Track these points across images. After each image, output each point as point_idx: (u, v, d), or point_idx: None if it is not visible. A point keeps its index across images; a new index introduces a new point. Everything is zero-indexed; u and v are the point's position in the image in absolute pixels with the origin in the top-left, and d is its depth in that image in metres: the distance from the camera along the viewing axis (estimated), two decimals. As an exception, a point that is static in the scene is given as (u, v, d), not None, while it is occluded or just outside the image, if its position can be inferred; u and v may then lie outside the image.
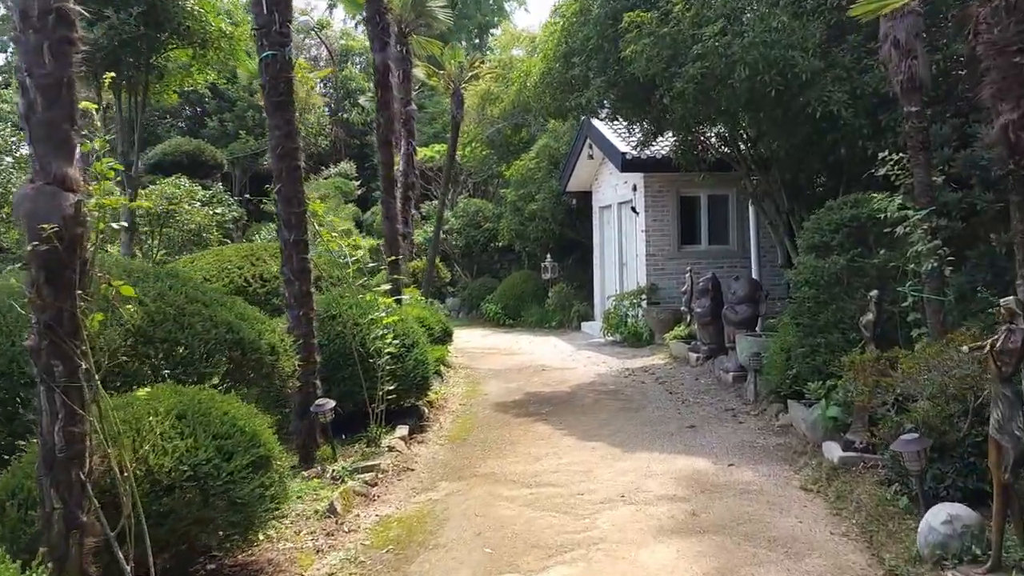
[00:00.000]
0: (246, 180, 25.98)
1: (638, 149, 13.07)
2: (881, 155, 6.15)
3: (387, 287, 7.21)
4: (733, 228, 14.88)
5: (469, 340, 16.24)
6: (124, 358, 4.31)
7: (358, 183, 28.82)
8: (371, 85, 30.08)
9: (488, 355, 13.90)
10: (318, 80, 30.73)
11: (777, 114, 8.57)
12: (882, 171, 6.07)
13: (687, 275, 12.99)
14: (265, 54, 6.40)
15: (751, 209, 13.07)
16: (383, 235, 9.12)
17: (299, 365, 6.30)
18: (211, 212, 14.53)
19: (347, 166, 29.54)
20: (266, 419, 4.31)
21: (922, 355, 4.58)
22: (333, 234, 7.20)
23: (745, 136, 11.03)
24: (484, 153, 23.66)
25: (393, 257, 9.01)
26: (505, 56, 23.58)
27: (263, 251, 9.85)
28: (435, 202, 24.87)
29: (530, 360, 13.02)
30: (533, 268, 20.44)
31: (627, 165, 14.10)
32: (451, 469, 6.58)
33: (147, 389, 3.77)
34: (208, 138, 26.01)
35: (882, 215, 6.23)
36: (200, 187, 15.83)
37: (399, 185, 11.92)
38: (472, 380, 11.12)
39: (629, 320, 14.35)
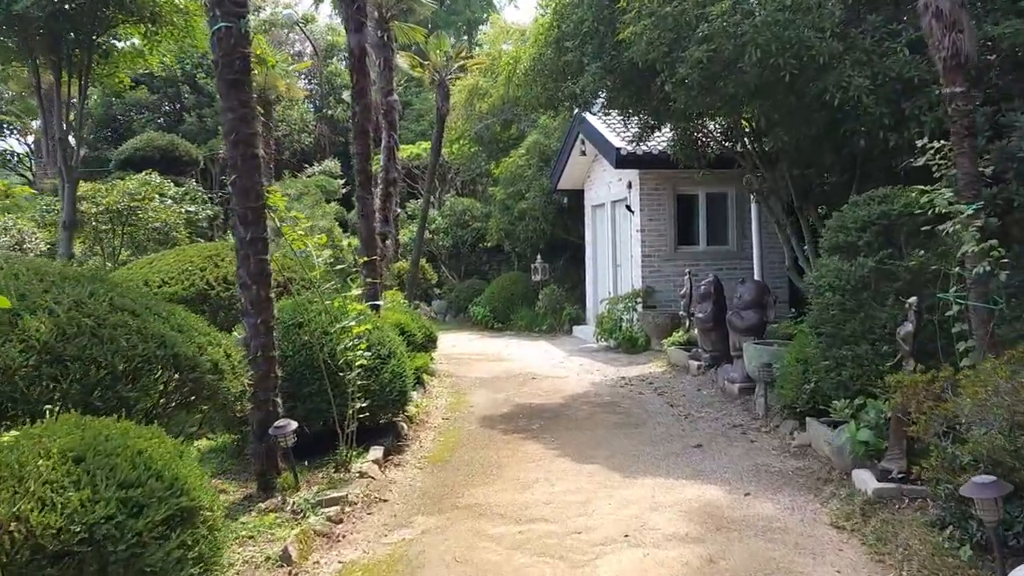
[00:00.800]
0: (227, 178, 25.13)
1: (634, 144, 12.32)
2: (920, 143, 5.41)
3: (359, 291, 6.41)
4: (732, 228, 14.18)
5: (455, 345, 15.47)
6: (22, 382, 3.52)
7: (343, 182, 28.00)
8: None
9: (475, 361, 13.14)
10: (299, 73, 29.91)
11: (790, 102, 7.83)
12: (921, 160, 5.34)
13: (685, 277, 12.26)
14: (217, 26, 5.61)
15: (753, 208, 12.36)
16: (359, 234, 8.33)
17: (255, 382, 5.54)
18: (182, 210, 13.69)
19: (331, 164, 28.68)
20: (193, 457, 3.52)
21: (991, 377, 3.85)
22: (299, 231, 6.39)
23: (750, 129, 10.32)
24: (472, 150, 22.89)
25: (370, 258, 8.22)
26: (494, 50, 22.77)
27: (228, 251, 9.04)
28: (421, 201, 24.16)
29: (519, 367, 12.26)
30: (523, 269, 19.69)
31: (622, 161, 13.37)
32: (430, 499, 5.80)
33: (15, 433, 2.98)
34: (186, 134, 25.12)
35: (918, 211, 5.52)
36: (173, 184, 14.99)
37: (379, 180, 11.14)
38: (457, 390, 10.34)
39: (624, 325, 13.62)
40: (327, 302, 6.66)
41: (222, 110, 5.76)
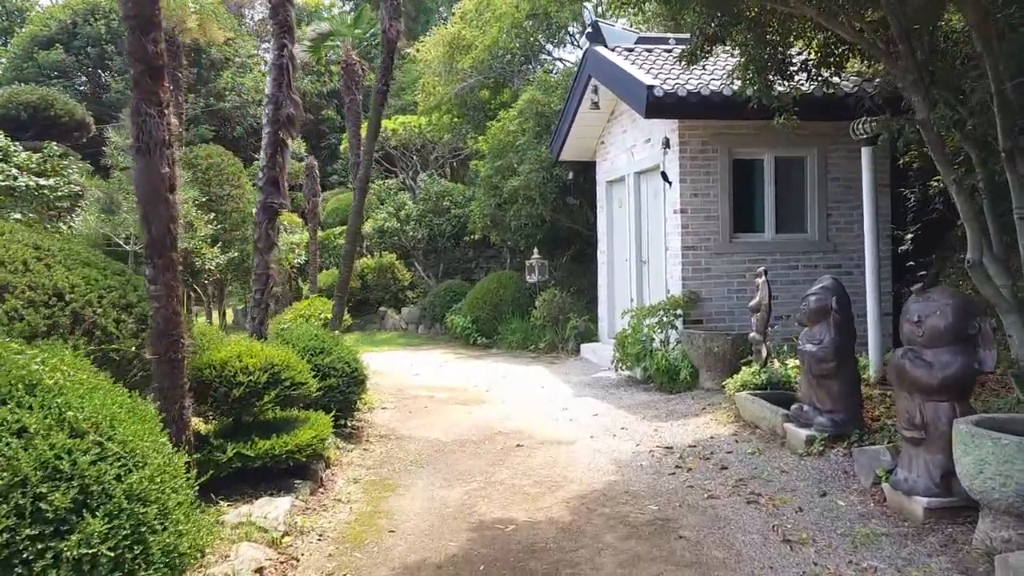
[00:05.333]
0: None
1: (680, 68, 7.95)
2: None
3: None
4: (813, 207, 9.78)
5: (419, 373, 11.13)
6: None
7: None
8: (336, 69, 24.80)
9: (437, 405, 8.76)
10: (259, 38, 25.52)
11: None
12: None
13: (760, 280, 7.87)
14: None
15: (866, 173, 7.93)
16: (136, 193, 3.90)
17: None
18: (18, 183, 9.38)
19: (294, 144, 24.34)
20: None
21: None
22: None
23: (899, 28, 5.89)
24: (454, 121, 18.47)
25: (150, 235, 3.74)
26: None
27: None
28: (392, 181, 19.80)
29: (500, 418, 7.89)
30: (518, 268, 15.35)
31: (655, 106, 8.94)
32: None
33: None
34: (112, 104, 20.76)
35: None
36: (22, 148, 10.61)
37: (267, 118, 6.76)
38: (382, 477, 5.93)
39: (656, 349, 9.23)
40: None
41: None
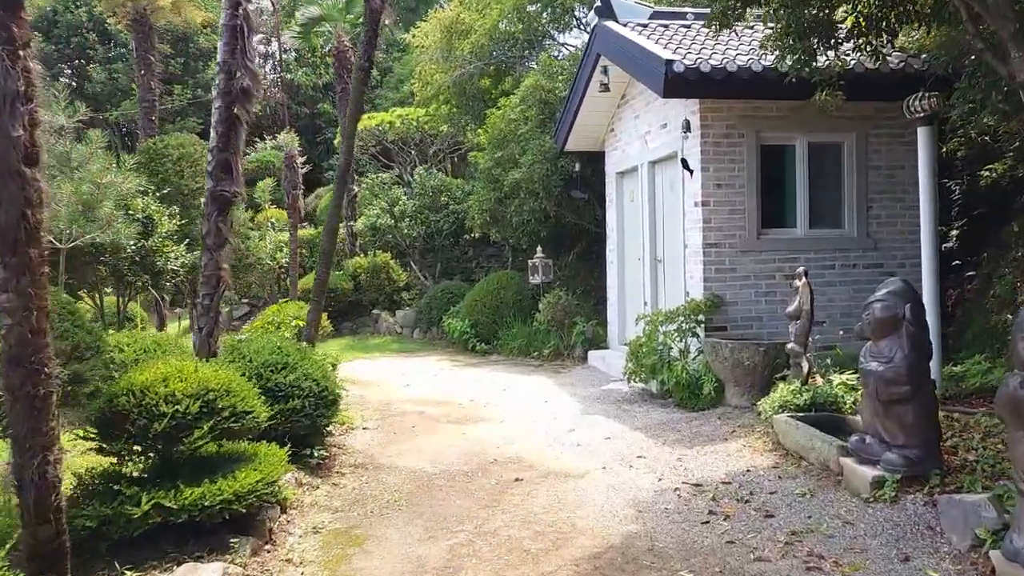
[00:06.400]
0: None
1: (701, 44, 6.87)
2: None
3: None
4: (851, 200, 8.67)
5: (410, 383, 10.07)
6: None
7: (303, 160, 22.59)
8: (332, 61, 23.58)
9: (425, 424, 7.69)
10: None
11: None
12: None
13: (799, 282, 6.77)
14: None
15: (925, 154, 6.81)
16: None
17: None
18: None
19: (288, 137, 23.24)
20: None
21: None
22: None
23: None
24: (453, 111, 17.33)
25: (10, 231, 2.72)
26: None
27: None
28: (386, 175, 18.70)
29: (498, 442, 6.81)
30: (520, 268, 14.26)
31: (674, 84, 7.83)
32: None
33: None
34: (95, 95, 19.74)
35: None
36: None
37: (217, 89, 5.68)
38: (349, 526, 4.85)
39: (675, 359, 8.13)
40: None
41: None
